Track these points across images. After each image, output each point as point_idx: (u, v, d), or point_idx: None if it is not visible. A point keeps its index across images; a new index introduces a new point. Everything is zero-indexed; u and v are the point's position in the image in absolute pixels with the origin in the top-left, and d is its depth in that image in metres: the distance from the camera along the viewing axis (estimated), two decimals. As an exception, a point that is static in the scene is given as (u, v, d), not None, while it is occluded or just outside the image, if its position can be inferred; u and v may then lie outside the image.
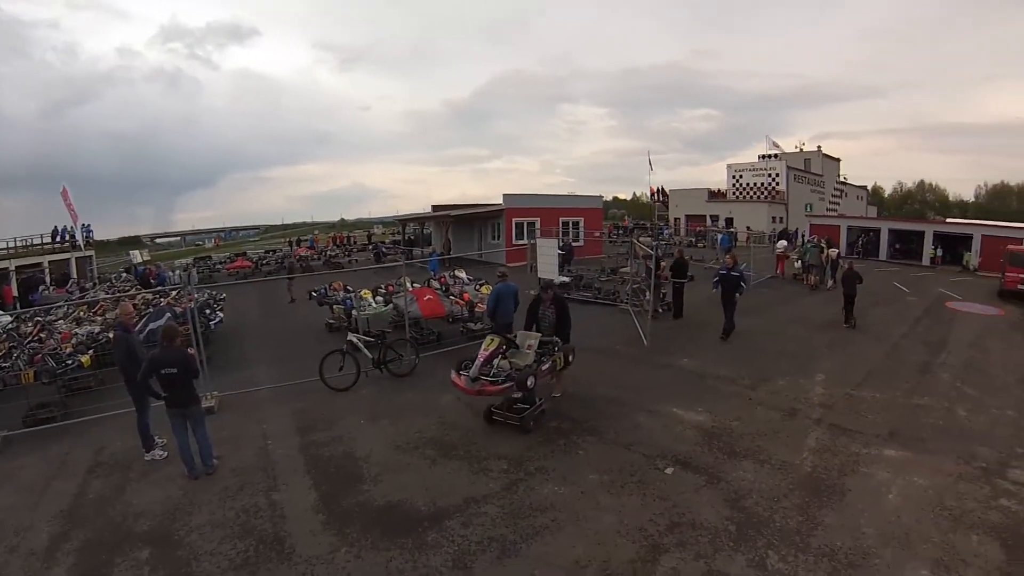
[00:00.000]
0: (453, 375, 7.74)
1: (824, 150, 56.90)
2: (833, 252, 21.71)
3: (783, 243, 25.89)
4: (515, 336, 8.43)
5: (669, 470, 6.73)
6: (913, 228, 35.18)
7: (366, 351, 10.19)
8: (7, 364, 10.56)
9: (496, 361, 7.73)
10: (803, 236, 33.58)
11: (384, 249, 36.03)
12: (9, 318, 14.43)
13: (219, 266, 30.38)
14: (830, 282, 20.48)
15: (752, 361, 11.16)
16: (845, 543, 5.23)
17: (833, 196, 55.48)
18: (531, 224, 29.99)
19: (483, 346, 7.85)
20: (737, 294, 13.05)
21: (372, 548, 5.23)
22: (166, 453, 7.30)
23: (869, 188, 75.86)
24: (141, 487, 6.65)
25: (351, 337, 10.19)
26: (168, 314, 11.90)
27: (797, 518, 5.67)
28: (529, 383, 7.37)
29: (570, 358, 8.45)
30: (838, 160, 60.19)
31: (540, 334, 8.44)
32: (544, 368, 7.94)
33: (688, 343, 12.37)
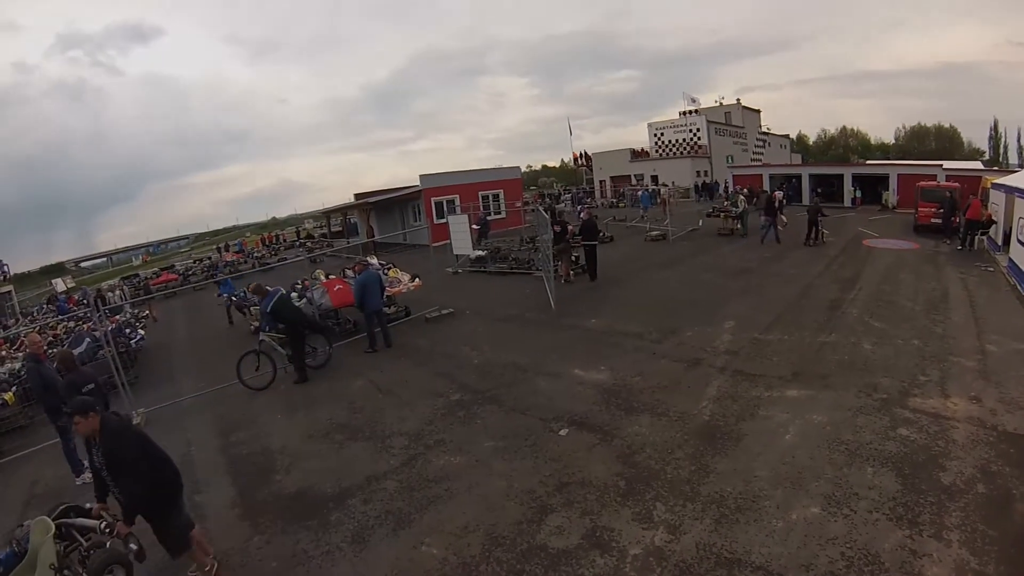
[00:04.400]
0: None
1: (747, 103, 58.51)
2: (778, 195, 21.93)
3: (665, 188, 30.72)
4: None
5: (563, 431, 6.78)
6: (833, 172, 37.03)
7: (280, 349, 10.33)
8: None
9: None
10: (727, 187, 34.44)
11: (221, 266, 34.62)
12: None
13: (144, 282, 30.79)
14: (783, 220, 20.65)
15: (661, 315, 11.28)
16: (736, 488, 5.27)
17: (756, 147, 57.11)
18: (450, 202, 30.34)
19: None
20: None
21: (282, 533, 5.55)
22: None
23: (793, 137, 78.62)
24: (74, 510, 6.93)
25: (263, 337, 10.40)
26: (88, 339, 12.78)
27: (689, 468, 5.70)
28: None
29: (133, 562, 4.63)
30: (758, 112, 61.98)
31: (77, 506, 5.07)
32: None
33: (599, 303, 12.44)
